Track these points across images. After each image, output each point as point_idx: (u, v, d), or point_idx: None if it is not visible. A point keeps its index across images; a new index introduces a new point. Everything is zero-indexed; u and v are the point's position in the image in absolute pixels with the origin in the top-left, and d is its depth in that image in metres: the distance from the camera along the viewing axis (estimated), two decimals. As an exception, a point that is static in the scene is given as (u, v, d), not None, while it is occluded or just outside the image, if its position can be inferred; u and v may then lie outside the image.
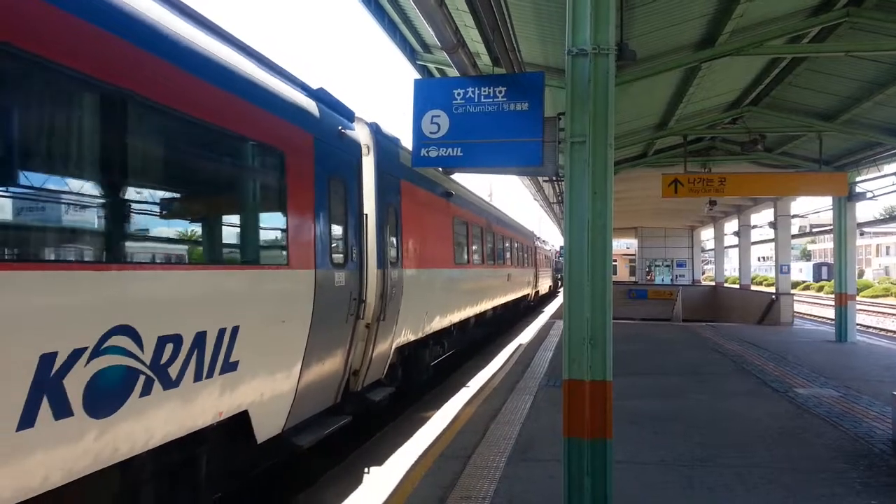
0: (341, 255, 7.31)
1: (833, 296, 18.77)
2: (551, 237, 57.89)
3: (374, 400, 8.60)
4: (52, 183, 3.83)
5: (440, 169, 6.58)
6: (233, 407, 5.24)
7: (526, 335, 19.66)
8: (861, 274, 65.61)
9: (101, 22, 3.98)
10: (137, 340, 4.08)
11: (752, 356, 14.45)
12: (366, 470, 7.67)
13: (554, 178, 19.13)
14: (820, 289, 59.55)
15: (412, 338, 10.16)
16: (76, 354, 3.62)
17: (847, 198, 17.04)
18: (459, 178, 14.26)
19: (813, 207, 29.72)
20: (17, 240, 3.61)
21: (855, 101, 13.15)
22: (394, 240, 9.21)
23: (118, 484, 4.43)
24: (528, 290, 27.20)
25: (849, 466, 6.64)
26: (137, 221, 4.43)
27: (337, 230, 7.25)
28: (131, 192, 4.33)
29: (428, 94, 5.58)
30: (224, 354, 5.02)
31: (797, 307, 27.06)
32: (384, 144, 8.97)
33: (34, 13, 3.49)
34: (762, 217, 29.76)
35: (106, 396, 3.87)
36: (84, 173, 4.01)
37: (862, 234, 30.30)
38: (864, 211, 73.65)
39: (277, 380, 5.96)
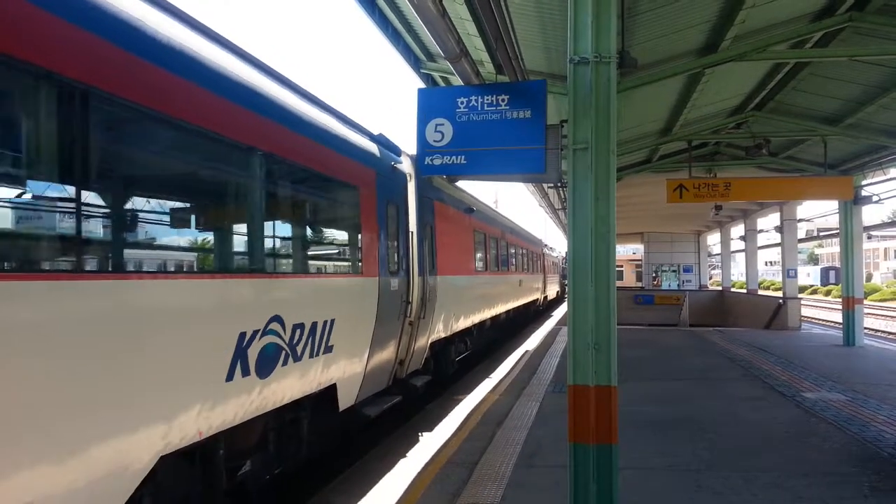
0: (395, 265, 9.03)
1: (840, 300, 18.70)
2: (557, 243, 57.89)
3: (416, 385, 10.34)
4: (262, 226, 5.74)
5: (445, 177, 6.64)
6: (327, 380, 6.87)
7: (532, 341, 19.64)
8: (869, 277, 65.36)
9: (251, 104, 5.57)
10: (283, 326, 5.76)
11: (760, 361, 14.42)
12: (373, 476, 7.69)
13: (559, 185, 19.26)
14: (827, 293, 59.28)
15: (443, 335, 11.72)
16: (254, 334, 5.30)
17: (853, 201, 17.00)
18: (464, 184, 14.44)
19: (819, 211, 29.67)
20: (235, 258, 5.62)
21: (859, 105, 13.14)
22: (430, 251, 10.78)
23: (261, 429, 6.18)
24: (537, 295, 28.80)
25: (857, 470, 6.63)
26: (287, 246, 6.63)
27: (391, 245, 8.96)
28: (285, 228, 6.53)
29: (432, 103, 5.64)
30: (326, 340, 6.69)
31: (805, 311, 26.99)
32: (415, 168, 10.19)
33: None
34: (769, 221, 29.72)
35: (266, 363, 5.50)
36: (280, 223, 6.32)
37: (869, 237, 30.21)
38: (870, 214, 73.50)
39: (354, 362, 7.60)
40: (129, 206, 4.64)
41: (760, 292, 33.48)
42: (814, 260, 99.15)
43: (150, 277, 4.49)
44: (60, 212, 3.80)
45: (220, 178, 5.36)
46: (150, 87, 4.31)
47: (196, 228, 5.38)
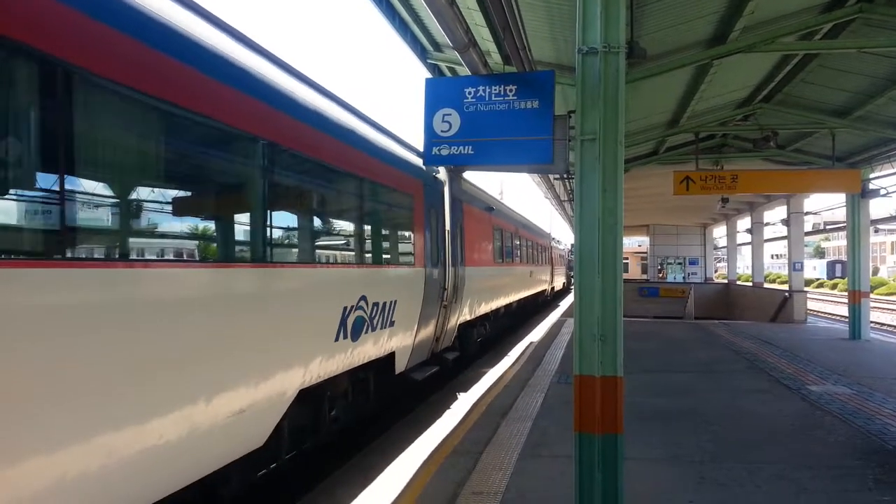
0: (435, 258, 10.83)
1: (847, 293, 18.66)
2: (562, 235, 57.83)
3: (448, 359, 12.03)
4: (358, 228, 8.03)
5: (452, 167, 6.66)
6: (389, 348, 8.70)
7: (537, 333, 19.67)
8: (875, 271, 65.10)
9: (362, 147, 7.94)
10: (367, 303, 7.67)
11: (765, 354, 14.41)
12: (377, 466, 7.73)
13: (564, 176, 19.37)
14: (833, 286, 59.17)
15: (468, 318, 13.56)
16: (351, 308, 7.21)
17: (860, 194, 16.92)
18: (470, 175, 14.57)
19: (826, 204, 29.57)
20: (345, 253, 7.76)
21: (868, 98, 13.08)
22: (460, 246, 12.50)
23: (346, 381, 7.94)
24: (546, 286, 30.94)
25: (861, 463, 6.64)
26: (370, 242, 8.35)
27: (433, 241, 10.78)
28: (369, 229, 8.31)
29: (439, 93, 5.63)
30: (390, 316, 8.52)
31: (811, 305, 26.91)
32: (453, 179, 12.36)
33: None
34: (775, 214, 29.61)
35: (356, 330, 7.37)
36: (367, 226, 8.23)
37: (876, 230, 30.09)
38: (877, 208, 73.06)
39: (407, 336, 9.45)
40: (297, 223, 6.71)
41: (766, 285, 33.39)
42: (820, 253, 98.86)
43: (303, 266, 6.57)
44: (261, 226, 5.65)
45: (345, 201, 7.80)
46: (327, 150, 6.93)
47: (329, 236, 7.63)
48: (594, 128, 4.66)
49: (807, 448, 7.19)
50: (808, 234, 31.89)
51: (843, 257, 74.76)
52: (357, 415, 8.71)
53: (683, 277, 37.91)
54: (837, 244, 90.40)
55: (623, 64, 4.67)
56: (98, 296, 3.85)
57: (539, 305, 30.40)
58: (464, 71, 8.23)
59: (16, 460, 3.30)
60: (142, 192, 4.60)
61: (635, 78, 9.93)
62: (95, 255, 4.09)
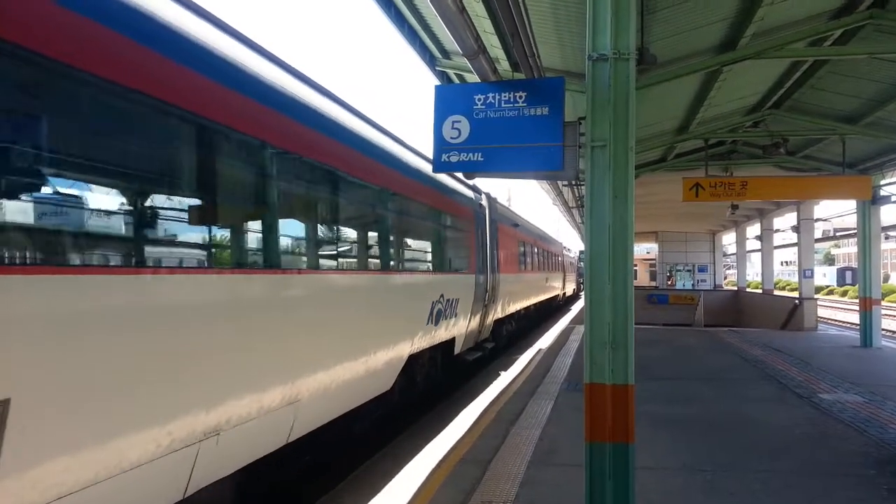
0: (480, 266, 13.40)
1: (857, 300, 18.52)
2: (569, 241, 57.77)
3: (488, 347, 14.95)
4: (438, 245, 10.95)
5: (461, 173, 6.65)
6: (451, 334, 11.29)
7: (546, 340, 19.62)
8: (886, 278, 64.66)
9: (440, 189, 11.01)
10: (443, 298, 10.39)
11: (776, 361, 14.31)
12: (387, 474, 7.70)
13: (574, 183, 19.45)
14: (844, 293, 58.79)
15: (500, 315, 16.16)
16: (436, 302, 9.93)
17: (871, 201, 16.82)
18: (479, 181, 14.68)
19: (837, 211, 29.40)
20: (434, 262, 10.57)
21: (879, 104, 13.01)
22: (495, 256, 14.94)
23: (428, 357, 10.62)
24: (559, 291, 33.33)
25: (875, 472, 6.57)
26: (445, 255, 11.07)
27: (478, 253, 13.41)
28: (445, 246, 11.16)
29: (449, 100, 5.62)
30: (454, 309, 11.15)
31: (821, 312, 26.75)
32: (491, 203, 15.27)
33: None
34: (785, 221, 29.48)
35: (437, 318, 9.98)
36: (446, 243, 11.15)
37: (887, 237, 29.90)
38: (889, 214, 72.69)
39: (462, 326, 12.01)
40: (412, 245, 9.71)
41: (776, 292, 33.23)
42: (829, 260, 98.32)
43: (416, 273, 9.80)
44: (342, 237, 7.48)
45: (434, 227, 10.71)
46: (430, 195, 10.36)
47: (425, 251, 10.48)
48: (604, 134, 4.65)
49: (819, 457, 7.13)
50: (818, 240, 31.72)
51: (854, 264, 74.34)
52: (427, 383, 11.18)
53: (692, 284, 37.76)
54: (847, 251, 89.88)
55: (633, 70, 4.66)
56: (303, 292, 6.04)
57: (552, 309, 32.70)
58: (472, 78, 8.22)
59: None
60: (330, 228, 6.99)
61: (645, 84, 9.91)
62: (302, 265, 6.19)
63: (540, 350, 16.57)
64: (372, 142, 7.88)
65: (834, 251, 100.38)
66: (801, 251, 23.67)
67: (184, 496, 4.40)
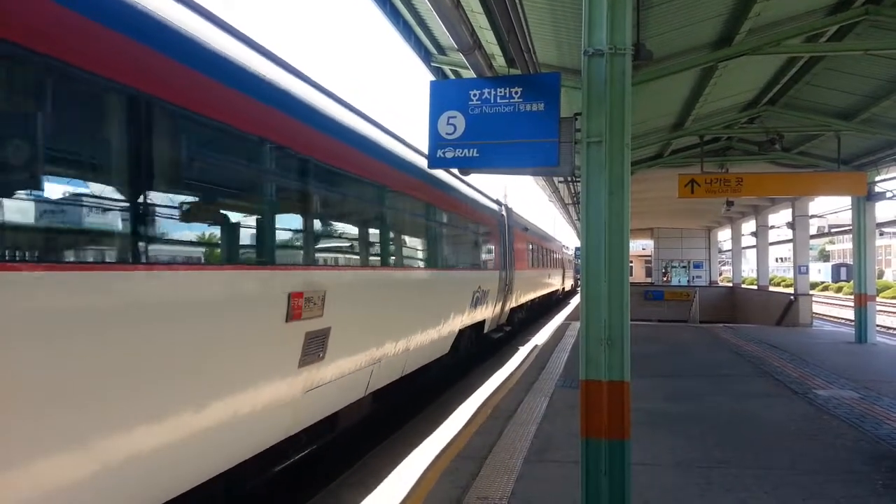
0: (501, 264, 16.36)
1: (852, 297, 18.55)
2: (566, 239, 57.85)
3: (506, 330, 18.55)
4: (477, 249, 14.33)
5: (457, 170, 6.60)
6: (483, 316, 14.26)
7: (541, 336, 19.63)
8: (881, 274, 64.90)
9: (455, 194, 12.58)
10: (480, 289, 13.48)
11: (771, 357, 14.34)
12: (383, 470, 7.69)
13: (570, 179, 19.51)
14: (839, 290, 58.95)
15: (514, 305, 19.16)
16: (475, 291, 13.10)
17: (866, 197, 16.85)
18: (474, 177, 14.89)
19: (831, 207, 29.44)
20: (476, 261, 13.95)
21: (874, 100, 13.02)
22: (510, 256, 17.72)
23: (468, 333, 13.63)
24: (559, 286, 36.95)
25: (870, 468, 6.58)
26: (480, 256, 14.40)
27: (500, 254, 16.36)
28: (480, 248, 14.36)
29: (444, 96, 5.59)
30: (485, 298, 14.06)
31: (816, 308, 26.80)
32: (508, 212, 18.44)
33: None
34: (780, 217, 29.49)
35: (475, 304, 13.07)
36: (481, 247, 14.53)
37: (882, 234, 29.98)
38: (883, 211, 72.78)
39: (489, 310, 14.92)
40: (464, 249, 12.97)
41: (771, 289, 33.26)
42: (824, 256, 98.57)
43: (465, 270, 12.79)
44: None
45: (475, 234, 13.62)
46: (472, 212, 13.57)
47: (469, 254, 13.38)
48: (600, 130, 4.63)
49: (814, 453, 7.14)
50: (813, 237, 31.77)
51: (848, 260, 74.50)
52: (464, 354, 14.02)
53: (688, 281, 37.79)
54: (842, 247, 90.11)
55: (629, 66, 4.64)
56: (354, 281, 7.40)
57: (553, 303, 36.60)
58: (468, 74, 8.21)
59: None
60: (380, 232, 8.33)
61: (640, 80, 9.89)
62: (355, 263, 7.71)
63: (536, 346, 16.58)
64: (449, 183, 12.05)
65: (829, 247, 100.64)
66: (796, 247, 23.72)
67: (365, 392, 7.91)
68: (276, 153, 5.49)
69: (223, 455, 4.92)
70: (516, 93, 5.30)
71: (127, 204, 3.91)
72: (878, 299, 20.80)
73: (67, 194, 3.73)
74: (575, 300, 38.81)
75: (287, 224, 5.94)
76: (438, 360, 11.47)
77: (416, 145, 10.09)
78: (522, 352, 15.68)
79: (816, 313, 26.89)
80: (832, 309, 37.34)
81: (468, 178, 14.99)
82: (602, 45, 4.60)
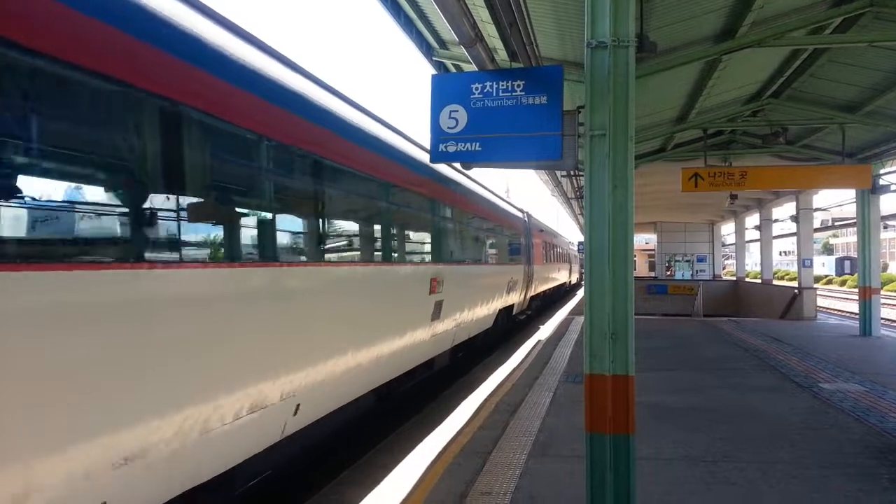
0: (524, 260, 19.68)
1: (856, 290, 18.49)
2: (572, 235, 57.90)
3: (528, 313, 23.08)
4: (511, 249, 18.53)
5: (457, 165, 6.56)
6: (512, 301, 17.74)
7: (545, 331, 19.62)
8: (885, 268, 64.65)
9: (486, 203, 15.47)
10: (511, 280, 17.06)
11: (775, 351, 14.31)
12: (387, 465, 7.68)
13: (573, 173, 19.51)
14: (843, 283, 58.83)
15: (533, 294, 22.58)
16: (509, 281, 16.72)
17: (871, 190, 16.77)
18: (477, 172, 15.00)
19: (836, 201, 29.35)
20: (507, 258, 17.58)
21: (879, 93, 12.94)
22: (531, 254, 21.20)
23: (503, 313, 16.86)
24: (567, 279, 40.55)
25: (876, 462, 6.55)
26: (509, 254, 17.89)
27: (524, 252, 19.80)
28: (510, 248, 18.01)
29: (446, 89, 5.55)
30: (514, 287, 17.62)
31: (820, 302, 26.74)
32: (529, 217, 22.28)
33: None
34: (784, 211, 29.44)
35: (508, 290, 16.61)
36: (512, 248, 18.44)
37: (886, 227, 29.86)
38: (888, 203, 72.64)
39: (516, 296, 18.29)
40: (506, 251, 17.41)
41: (775, 282, 33.21)
42: (828, 250, 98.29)
43: (503, 265, 16.69)
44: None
45: (510, 238, 17.74)
46: (506, 223, 17.66)
47: (506, 253, 17.13)
48: (604, 123, 4.59)
49: (819, 446, 7.11)
50: (817, 230, 31.69)
51: (853, 254, 74.27)
52: (499, 330, 17.12)
53: (692, 275, 37.73)
54: (846, 240, 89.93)
55: (633, 58, 4.60)
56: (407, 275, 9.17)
57: (562, 294, 40.38)
58: (470, 68, 8.17)
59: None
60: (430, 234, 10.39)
61: (643, 73, 9.83)
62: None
63: (539, 341, 16.57)
64: (496, 203, 16.60)
65: (833, 241, 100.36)
66: (801, 241, 23.64)
67: (451, 345, 11.55)
68: (441, 205, 10.78)
69: (400, 366, 8.83)
70: (518, 86, 5.26)
71: (376, 231, 7.89)
72: (882, 292, 20.73)
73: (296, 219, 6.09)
74: (579, 294, 39.21)
75: (434, 238, 10.31)
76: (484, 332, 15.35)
77: (483, 182, 15.88)
78: (527, 345, 16.02)
79: (821, 306, 26.82)
80: (836, 302, 37.28)
81: (502, 192, 20.67)
82: (605, 37, 4.56)
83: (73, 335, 3.32)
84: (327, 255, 6.30)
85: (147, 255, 3.90)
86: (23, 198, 3.21)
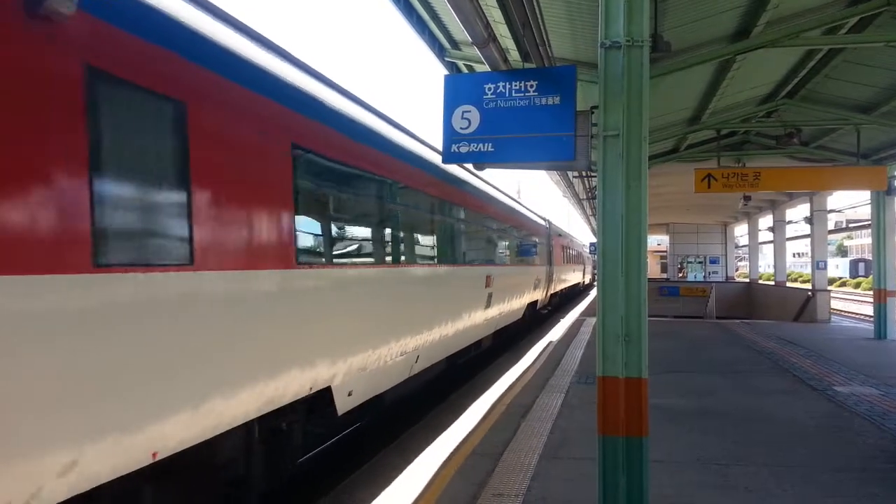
0: (547, 261, 22.71)
1: (871, 292, 18.31)
2: (585, 237, 57.87)
3: (548, 308, 25.99)
4: (542, 254, 22.44)
5: (471, 164, 6.53)
6: (536, 297, 20.40)
7: (556, 332, 19.57)
8: (900, 270, 64.00)
9: (523, 216, 19.38)
10: (537, 279, 20.09)
11: (789, 354, 14.19)
12: (398, 466, 7.67)
13: (585, 174, 19.50)
14: (857, 285, 58.36)
15: (553, 291, 25.40)
16: (536, 279, 19.83)
17: (886, 192, 16.63)
18: (488, 172, 15.23)
19: (850, 202, 29.11)
20: (538, 259, 21.15)
21: (894, 93, 12.82)
22: (552, 255, 23.98)
23: (529, 307, 19.51)
24: (581, 279, 43.93)
25: (891, 467, 6.48)
26: (534, 256, 20.31)
27: (547, 254, 23.07)
28: (533, 250, 20.22)
29: (458, 90, 5.54)
30: (539, 284, 20.55)
31: (834, 304, 26.50)
32: (550, 224, 25.00)
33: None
34: (797, 212, 29.22)
35: (535, 287, 19.82)
36: (536, 250, 20.96)
37: (901, 229, 29.48)
38: (903, 205, 71.70)
39: (540, 293, 21.16)
40: (541, 256, 21.99)
41: (788, 284, 32.94)
42: (842, 252, 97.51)
43: (534, 266, 19.83)
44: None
45: (538, 242, 21.00)
46: (530, 229, 20.26)
47: (537, 255, 20.50)
48: (617, 123, 4.57)
49: (834, 451, 7.04)
50: (831, 232, 31.44)
51: (867, 256, 73.55)
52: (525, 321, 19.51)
53: (704, 276, 37.54)
54: (861, 242, 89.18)
55: (647, 58, 4.57)
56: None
57: (576, 293, 43.62)
58: (482, 69, 8.15)
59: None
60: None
61: (657, 73, 9.78)
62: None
63: (550, 342, 16.51)
64: (529, 216, 19.99)
65: (847, 242, 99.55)
66: (815, 242, 23.45)
67: (492, 330, 14.31)
68: (494, 220, 14.16)
69: (467, 338, 11.69)
70: (531, 86, 5.24)
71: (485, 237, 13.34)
72: (897, 295, 20.50)
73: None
74: (591, 295, 39.35)
75: (488, 246, 13.76)
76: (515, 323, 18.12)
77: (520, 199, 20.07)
78: (538, 347, 16.03)
79: (835, 309, 26.57)
80: (851, 305, 36.96)
81: (530, 203, 22.82)
82: (619, 37, 4.53)
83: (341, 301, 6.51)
84: (434, 259, 9.75)
85: (388, 258, 7.79)
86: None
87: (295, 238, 5.30)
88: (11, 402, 3.04)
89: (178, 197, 4.03)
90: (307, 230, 5.66)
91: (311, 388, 5.68)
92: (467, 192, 11.93)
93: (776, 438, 7.49)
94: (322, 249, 6.10)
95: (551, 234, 24.67)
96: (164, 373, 3.87)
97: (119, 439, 3.58)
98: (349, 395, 6.58)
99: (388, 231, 7.77)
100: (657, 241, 50.57)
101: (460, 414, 9.16)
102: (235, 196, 4.55)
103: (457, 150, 5.44)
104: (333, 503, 6.91)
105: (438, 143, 5.77)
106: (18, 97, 3.05)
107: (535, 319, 22.89)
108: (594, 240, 48.02)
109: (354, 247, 7.08)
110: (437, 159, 9.60)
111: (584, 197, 28.10)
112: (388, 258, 7.78)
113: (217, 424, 4.38)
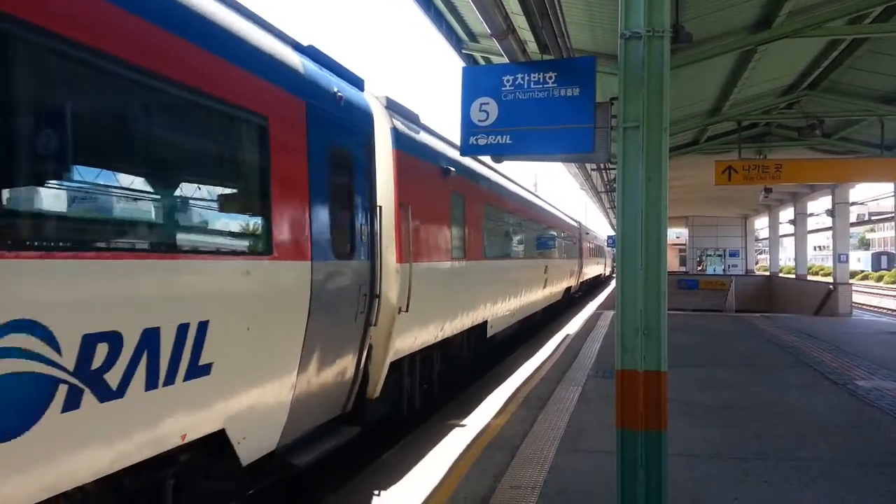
0: (578, 256, 28.40)
1: (893, 286, 18.06)
2: (595, 225, 57.88)
3: (579, 293, 31.79)
4: (568, 250, 26.39)
5: (488, 156, 6.51)
6: (570, 284, 25.93)
7: (573, 326, 19.53)
8: (924, 263, 63.13)
9: (561, 221, 24.79)
10: (571, 269, 25.76)
11: (810, 347, 14.06)
12: (414, 458, 7.70)
13: (603, 167, 19.39)
14: (879, 279, 57.63)
15: (583, 280, 31.54)
16: (571, 270, 25.47)
17: (910, 184, 16.39)
18: (506, 166, 15.37)
19: (872, 195, 28.74)
20: (572, 254, 26.73)
21: (920, 84, 12.64)
22: (581, 251, 29.60)
23: (566, 291, 25.11)
24: (602, 270, 47.66)
25: (914, 462, 6.40)
26: (573, 252, 27.20)
27: (578, 250, 28.66)
28: (577, 249, 28.89)
29: (476, 82, 5.51)
30: (573, 273, 26.32)
31: (856, 297, 26.22)
32: (580, 224, 31.71)
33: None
34: (819, 205, 28.91)
35: (570, 276, 25.21)
36: (573, 248, 27.58)
37: (925, 221, 29.08)
38: (927, 198, 70.65)
39: (573, 280, 26.77)
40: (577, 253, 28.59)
41: (809, 278, 32.63)
42: (865, 245, 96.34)
43: (569, 259, 25.25)
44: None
45: (573, 241, 27.20)
46: (564, 231, 25.52)
47: (572, 249, 26.49)
48: (637, 115, 4.52)
49: (856, 445, 6.96)
50: (853, 224, 31.08)
51: (890, 249, 72.74)
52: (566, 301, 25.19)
53: (723, 269, 37.26)
54: (883, 235, 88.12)
55: (668, 49, 4.51)
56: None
57: (598, 283, 47.21)
58: (500, 61, 8.13)
59: None
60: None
61: (677, 64, 9.67)
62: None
63: (567, 335, 16.48)
64: (567, 221, 25.79)
65: (869, 235, 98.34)
66: (836, 235, 23.20)
67: (541, 307, 18.90)
68: (548, 226, 20.14)
69: (530, 308, 16.42)
70: (550, 78, 5.20)
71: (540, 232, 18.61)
72: (921, 289, 20.23)
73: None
74: (608, 288, 39.77)
75: (545, 244, 19.29)
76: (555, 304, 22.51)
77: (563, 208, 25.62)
78: (555, 339, 16.51)
79: (856, 303, 26.30)
80: (872, 298, 36.53)
81: (566, 209, 27.56)
82: (640, 27, 4.48)
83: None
84: (521, 254, 14.99)
85: (509, 254, 14.22)
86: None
87: (483, 243, 11.24)
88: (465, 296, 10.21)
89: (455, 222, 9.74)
90: (490, 243, 11.89)
91: (483, 319, 11.36)
92: (537, 210, 18.20)
93: (797, 433, 7.43)
94: (488, 251, 11.71)
95: (581, 234, 30.15)
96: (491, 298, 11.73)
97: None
98: (491, 327, 12.08)
99: (505, 238, 13.70)
100: (676, 235, 50.22)
101: (477, 406, 9.18)
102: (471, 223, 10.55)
103: (475, 142, 5.42)
104: (352, 493, 6.95)
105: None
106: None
107: (569, 302, 28.08)
108: (612, 233, 48.13)
109: (495, 249, 12.46)
110: (526, 196, 16.89)
111: (603, 189, 27.96)
112: (506, 254, 13.84)
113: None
